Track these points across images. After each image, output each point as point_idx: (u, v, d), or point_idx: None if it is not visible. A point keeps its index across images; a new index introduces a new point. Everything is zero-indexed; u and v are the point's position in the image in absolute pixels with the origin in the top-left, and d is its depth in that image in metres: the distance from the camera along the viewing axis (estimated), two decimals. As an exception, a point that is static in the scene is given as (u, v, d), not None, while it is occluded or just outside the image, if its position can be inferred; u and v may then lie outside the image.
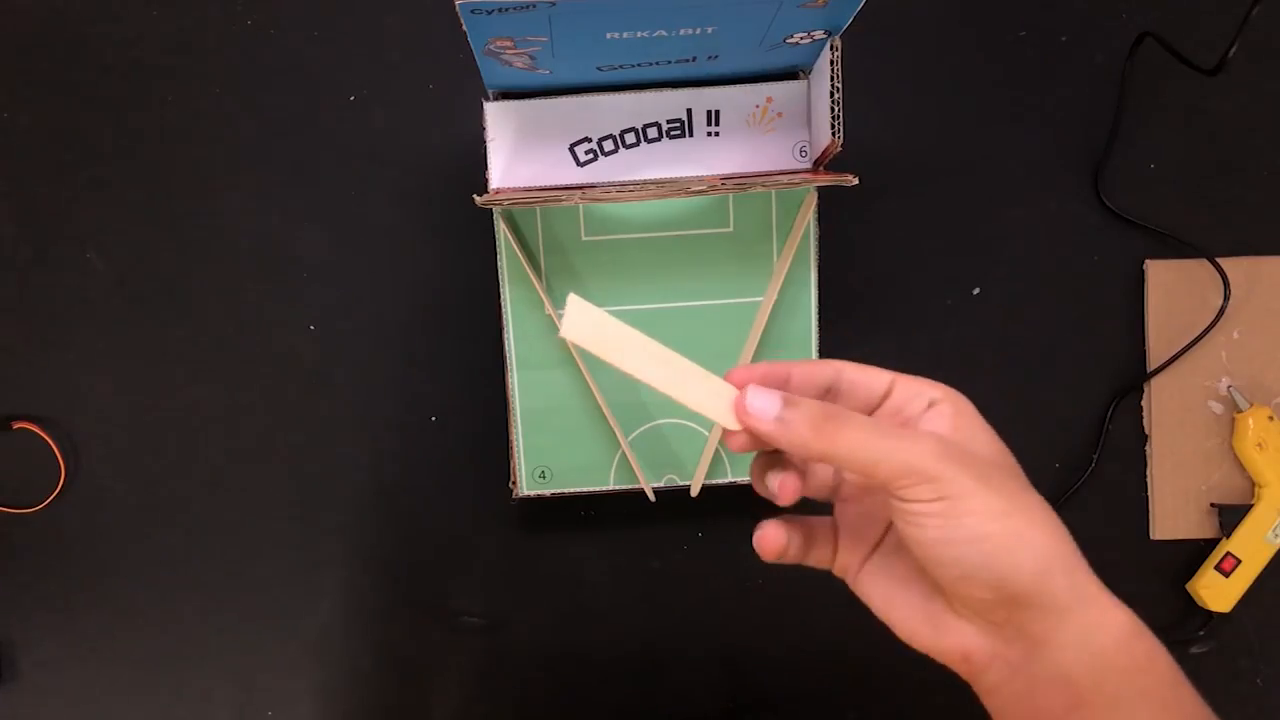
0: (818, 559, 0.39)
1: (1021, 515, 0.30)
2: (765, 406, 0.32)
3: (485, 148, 0.50)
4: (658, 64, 0.46)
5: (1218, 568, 0.57)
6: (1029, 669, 0.32)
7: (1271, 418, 0.58)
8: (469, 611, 0.60)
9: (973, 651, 0.33)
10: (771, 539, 0.38)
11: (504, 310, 0.53)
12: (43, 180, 0.59)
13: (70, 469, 0.59)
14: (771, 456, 0.37)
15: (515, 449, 0.53)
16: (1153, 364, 0.59)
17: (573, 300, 0.33)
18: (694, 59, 0.46)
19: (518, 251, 0.51)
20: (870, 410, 0.35)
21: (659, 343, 0.34)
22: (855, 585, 0.38)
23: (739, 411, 0.33)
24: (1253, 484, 0.59)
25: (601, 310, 0.33)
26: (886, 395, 0.35)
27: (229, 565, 0.59)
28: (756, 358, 0.52)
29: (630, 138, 0.50)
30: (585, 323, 0.33)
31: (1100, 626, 0.31)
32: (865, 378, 0.35)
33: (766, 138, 0.50)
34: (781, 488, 0.35)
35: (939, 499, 0.30)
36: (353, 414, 0.59)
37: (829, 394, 0.35)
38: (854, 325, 0.59)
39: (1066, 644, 0.31)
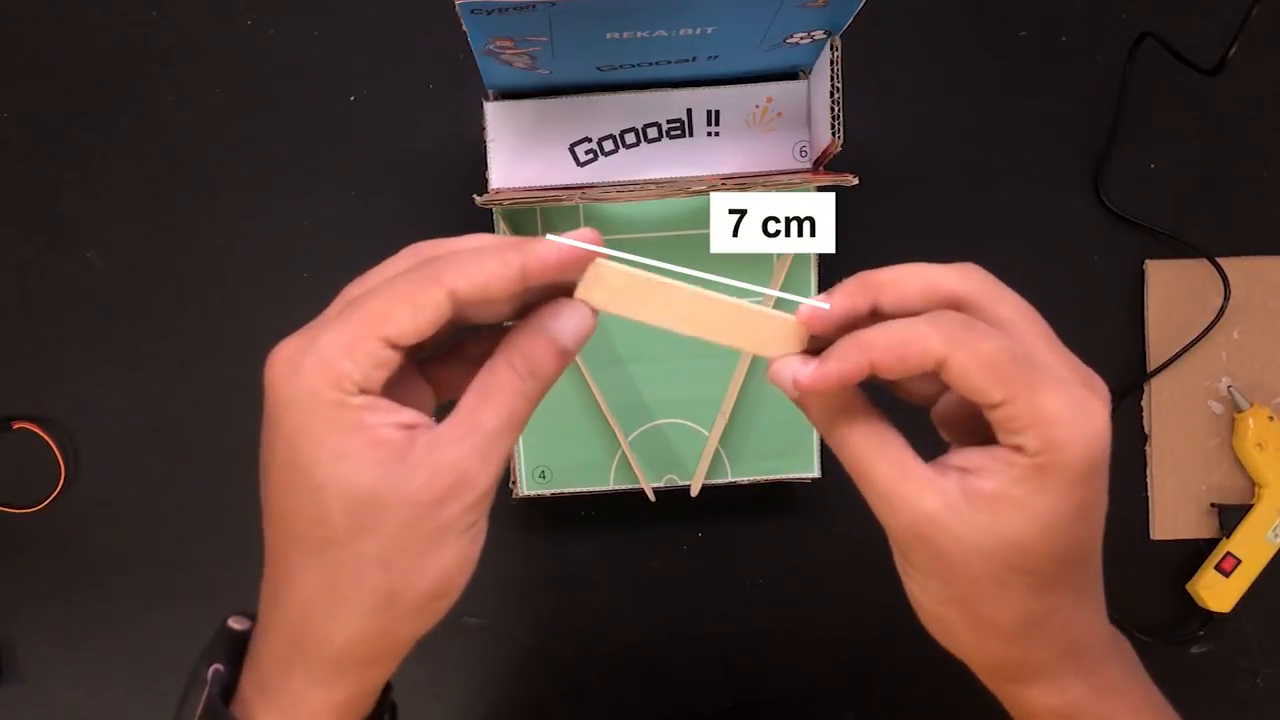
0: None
1: (958, 612, 0.27)
2: (791, 373, 0.28)
3: (485, 148, 0.50)
4: (658, 64, 0.46)
5: (1218, 568, 0.57)
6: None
7: (1271, 418, 0.58)
8: (469, 611, 0.60)
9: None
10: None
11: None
12: (42, 180, 0.59)
13: (70, 469, 0.59)
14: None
15: (515, 449, 0.53)
16: (1153, 364, 0.59)
17: (600, 267, 0.28)
18: (694, 59, 0.46)
19: None
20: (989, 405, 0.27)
21: (689, 286, 0.30)
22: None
23: (805, 321, 0.28)
24: (1253, 484, 0.59)
25: (621, 267, 0.29)
26: (991, 407, 0.27)
27: (229, 565, 0.59)
28: (756, 359, 0.52)
29: (630, 138, 0.50)
30: (604, 281, 0.28)
31: (1026, 705, 0.29)
32: (967, 387, 0.27)
33: (766, 138, 0.50)
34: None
35: (899, 554, 0.28)
36: (353, 414, 0.59)
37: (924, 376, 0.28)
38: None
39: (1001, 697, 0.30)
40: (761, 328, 0.29)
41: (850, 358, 0.28)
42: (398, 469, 0.25)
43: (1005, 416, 0.26)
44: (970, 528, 0.26)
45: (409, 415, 0.26)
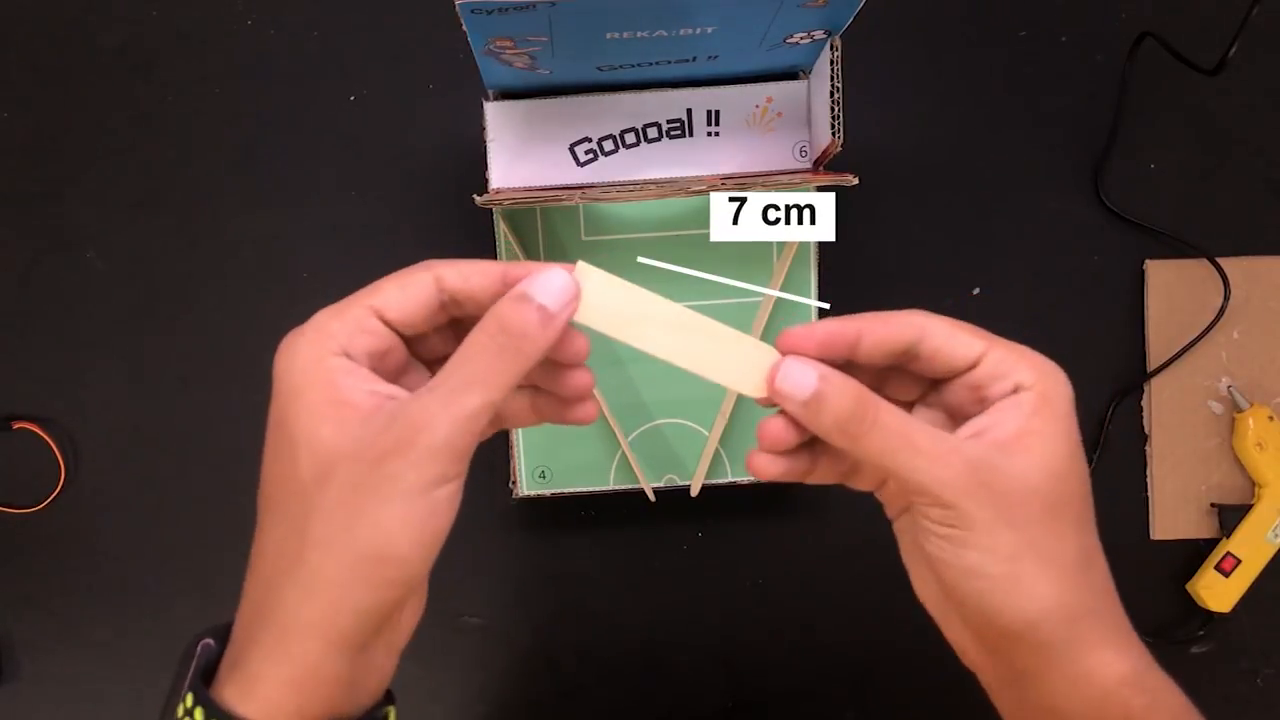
0: (831, 471, 0.32)
1: (1032, 559, 0.28)
2: (798, 385, 0.28)
3: (485, 148, 0.50)
4: (658, 64, 0.46)
5: (1218, 568, 0.57)
6: (1019, 691, 0.31)
7: (1271, 418, 0.58)
8: (469, 611, 0.60)
9: (968, 649, 0.32)
10: (773, 431, 0.30)
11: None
12: (42, 180, 0.59)
13: (70, 469, 0.59)
14: None
15: (515, 449, 0.53)
16: (1153, 364, 0.59)
17: (583, 269, 0.29)
18: (694, 59, 0.46)
19: (518, 251, 0.51)
20: (949, 376, 0.30)
21: (680, 306, 0.29)
22: (893, 517, 0.34)
23: (770, 380, 0.29)
24: (1253, 484, 0.59)
25: (616, 280, 0.29)
26: (973, 365, 0.30)
27: (229, 565, 0.59)
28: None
29: (630, 138, 0.50)
30: (600, 300, 0.28)
31: (1093, 675, 0.29)
32: (950, 347, 0.29)
33: (766, 138, 0.50)
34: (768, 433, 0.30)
35: (949, 526, 0.28)
36: (353, 414, 0.59)
37: (906, 356, 0.30)
38: (854, 325, 0.59)
39: (1055, 684, 0.29)
40: (741, 354, 0.30)
41: (839, 324, 0.29)
42: (356, 427, 0.25)
43: (993, 363, 0.29)
44: (1017, 467, 0.27)
45: (389, 388, 0.26)
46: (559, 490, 0.54)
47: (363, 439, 0.25)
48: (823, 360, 0.29)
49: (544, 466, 0.53)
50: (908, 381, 0.32)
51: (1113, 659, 0.29)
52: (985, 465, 0.27)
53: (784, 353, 0.30)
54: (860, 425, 0.28)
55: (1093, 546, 0.30)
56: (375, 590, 0.25)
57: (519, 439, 0.53)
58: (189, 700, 0.27)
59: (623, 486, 0.54)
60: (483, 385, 0.25)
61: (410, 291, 0.27)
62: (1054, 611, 0.28)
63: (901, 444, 0.28)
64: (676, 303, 0.30)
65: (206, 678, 0.28)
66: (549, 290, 0.27)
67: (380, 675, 0.28)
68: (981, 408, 0.29)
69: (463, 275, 0.27)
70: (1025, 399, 0.28)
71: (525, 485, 0.53)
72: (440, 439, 0.25)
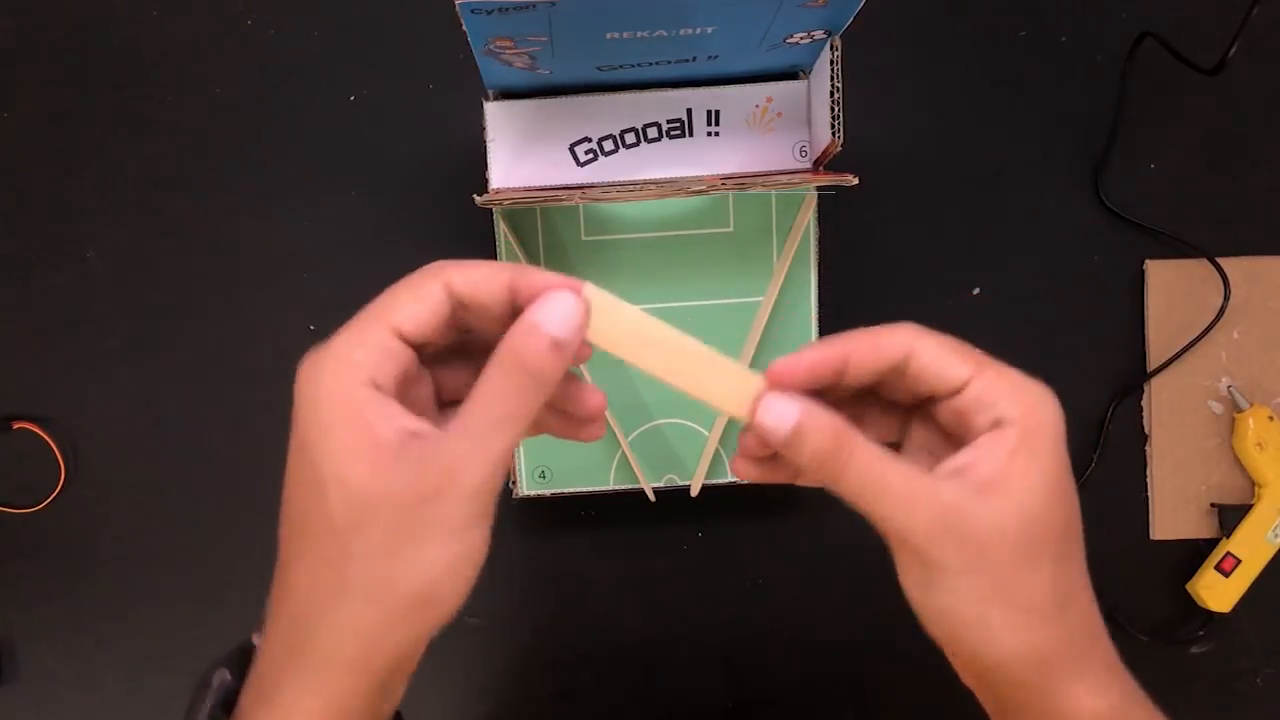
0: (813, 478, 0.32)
1: (1000, 604, 0.27)
2: (778, 421, 0.28)
3: (485, 148, 0.50)
4: (658, 64, 0.46)
5: (1218, 568, 0.57)
6: (999, 713, 0.31)
7: (1271, 418, 0.58)
8: (469, 611, 0.60)
9: (960, 674, 0.31)
10: (749, 444, 0.31)
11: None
12: (43, 180, 0.59)
13: (70, 469, 0.59)
14: None
15: (516, 449, 0.53)
16: (1153, 364, 0.59)
17: (590, 291, 0.29)
18: (694, 59, 0.46)
19: (518, 251, 0.51)
20: (937, 397, 0.30)
21: (677, 331, 0.30)
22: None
23: (752, 414, 0.30)
24: (1253, 484, 0.59)
25: (621, 304, 0.29)
26: (960, 389, 0.29)
27: (229, 565, 0.59)
28: (756, 358, 0.52)
29: (630, 138, 0.50)
30: (604, 323, 0.29)
31: (1067, 714, 0.28)
32: (938, 369, 0.29)
33: (766, 138, 0.50)
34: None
35: (919, 569, 0.28)
36: (353, 414, 0.59)
37: (894, 374, 0.30)
38: (854, 326, 0.59)
39: (1034, 719, 0.29)
40: (732, 381, 0.30)
41: (825, 346, 0.29)
42: (391, 469, 0.25)
43: (978, 390, 0.28)
44: (989, 511, 0.27)
45: (414, 423, 0.26)
46: (559, 490, 0.54)
47: (397, 482, 0.25)
48: (812, 383, 0.30)
49: (544, 466, 0.53)
50: (900, 395, 0.32)
51: (1089, 698, 0.28)
52: (956, 510, 0.27)
53: (771, 385, 0.30)
54: (836, 463, 0.28)
55: (1072, 583, 0.29)
56: (414, 631, 0.26)
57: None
58: None
59: (623, 486, 0.54)
60: (509, 424, 0.26)
61: (425, 304, 0.27)
62: (1023, 654, 0.28)
63: (875, 487, 0.28)
64: (675, 328, 0.31)
65: (226, 707, 0.28)
66: (558, 320, 0.27)
67: (395, 701, 0.29)
68: (967, 434, 0.29)
69: (471, 283, 0.27)
70: (1007, 436, 0.28)
71: (525, 485, 0.53)
72: (476, 482, 0.25)
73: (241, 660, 0.29)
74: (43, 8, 0.58)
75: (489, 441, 0.26)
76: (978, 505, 0.27)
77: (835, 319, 0.56)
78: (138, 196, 0.59)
